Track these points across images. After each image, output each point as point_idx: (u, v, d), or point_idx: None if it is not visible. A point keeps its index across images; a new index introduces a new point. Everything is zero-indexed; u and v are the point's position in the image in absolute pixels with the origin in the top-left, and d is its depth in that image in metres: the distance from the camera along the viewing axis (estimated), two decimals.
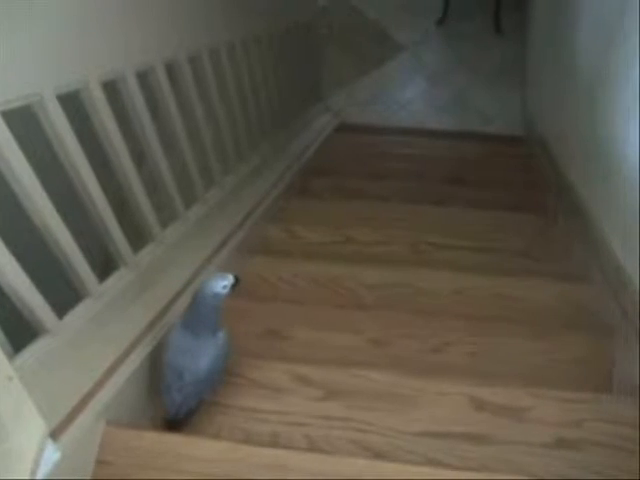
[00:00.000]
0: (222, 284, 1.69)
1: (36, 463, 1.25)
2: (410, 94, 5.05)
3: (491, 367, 1.98)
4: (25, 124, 1.44)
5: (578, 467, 1.65)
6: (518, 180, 3.61)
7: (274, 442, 1.73)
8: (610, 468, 1.65)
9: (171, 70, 2.11)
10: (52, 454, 1.32)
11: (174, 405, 1.69)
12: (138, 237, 1.98)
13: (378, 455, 1.68)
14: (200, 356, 1.69)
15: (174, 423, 1.71)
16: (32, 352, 1.43)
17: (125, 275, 1.81)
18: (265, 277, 2.43)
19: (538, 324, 2.15)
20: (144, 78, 1.93)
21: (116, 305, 1.73)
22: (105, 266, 1.85)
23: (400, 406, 1.75)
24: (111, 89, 1.75)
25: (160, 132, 2.04)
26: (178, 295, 1.99)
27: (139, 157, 1.97)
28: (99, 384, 1.56)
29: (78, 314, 1.60)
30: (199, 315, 1.71)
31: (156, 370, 1.79)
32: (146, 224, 1.95)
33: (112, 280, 1.76)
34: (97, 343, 1.63)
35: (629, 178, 1.98)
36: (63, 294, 1.60)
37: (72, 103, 1.60)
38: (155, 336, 1.82)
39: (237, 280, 1.72)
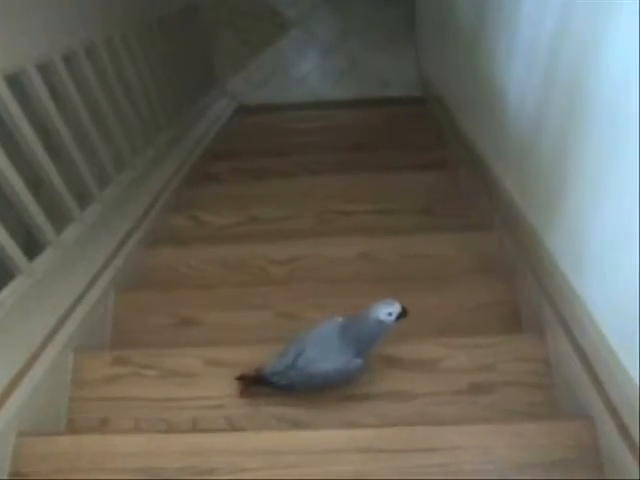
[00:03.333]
0: (387, 311, 1.62)
1: None
2: (305, 68, 5.05)
3: (402, 325, 2.00)
4: None
5: (494, 409, 1.70)
6: (419, 139, 3.66)
7: (195, 428, 1.73)
8: (525, 405, 1.71)
9: (45, 71, 2.04)
10: None
11: (272, 368, 1.69)
12: (33, 243, 1.93)
13: (298, 425, 1.70)
14: (325, 360, 1.64)
15: (256, 380, 1.71)
16: None
17: (21, 284, 1.73)
18: (173, 266, 2.41)
19: (443, 277, 2.20)
20: (16, 81, 1.87)
21: (15, 313, 1.67)
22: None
23: None
24: None
25: (43, 135, 1.98)
26: (79, 299, 1.97)
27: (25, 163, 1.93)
28: (5, 394, 1.52)
29: None
30: (356, 330, 1.65)
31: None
32: (39, 229, 1.90)
33: (7, 291, 1.68)
34: None
35: (512, 121, 2.02)
36: None
37: None
38: (59, 340, 1.79)
39: (404, 311, 1.64)
